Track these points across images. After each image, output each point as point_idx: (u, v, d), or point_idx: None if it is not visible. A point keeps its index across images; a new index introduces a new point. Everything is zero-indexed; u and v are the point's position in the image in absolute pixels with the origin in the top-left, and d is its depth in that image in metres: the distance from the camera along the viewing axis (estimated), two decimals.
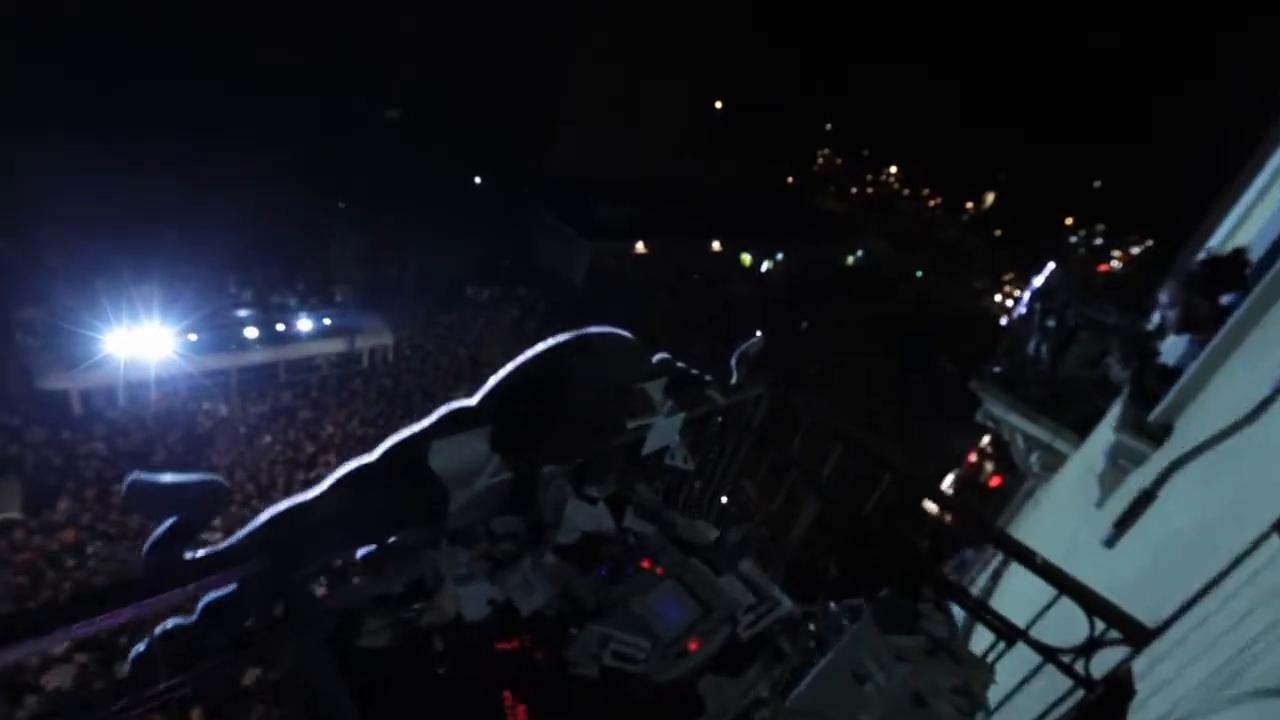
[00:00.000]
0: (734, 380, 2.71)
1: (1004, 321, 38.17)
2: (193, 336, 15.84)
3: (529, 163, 31.02)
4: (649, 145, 34.50)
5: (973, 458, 22.92)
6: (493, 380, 1.90)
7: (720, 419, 2.80)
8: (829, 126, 54.08)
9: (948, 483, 21.85)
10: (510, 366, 1.92)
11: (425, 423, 1.78)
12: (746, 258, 35.33)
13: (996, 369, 5.71)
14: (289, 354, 17.63)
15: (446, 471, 1.81)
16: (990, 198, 60.24)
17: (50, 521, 11.36)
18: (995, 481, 20.81)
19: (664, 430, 2.39)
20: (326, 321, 18.52)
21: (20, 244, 17.52)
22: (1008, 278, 47.92)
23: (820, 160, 56.26)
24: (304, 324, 18.03)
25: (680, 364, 2.45)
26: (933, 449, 23.18)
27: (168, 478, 1.30)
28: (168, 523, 1.33)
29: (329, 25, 25.78)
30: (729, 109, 40.49)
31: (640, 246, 30.87)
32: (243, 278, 19.00)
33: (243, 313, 17.57)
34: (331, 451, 14.63)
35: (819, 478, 2.67)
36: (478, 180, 30.59)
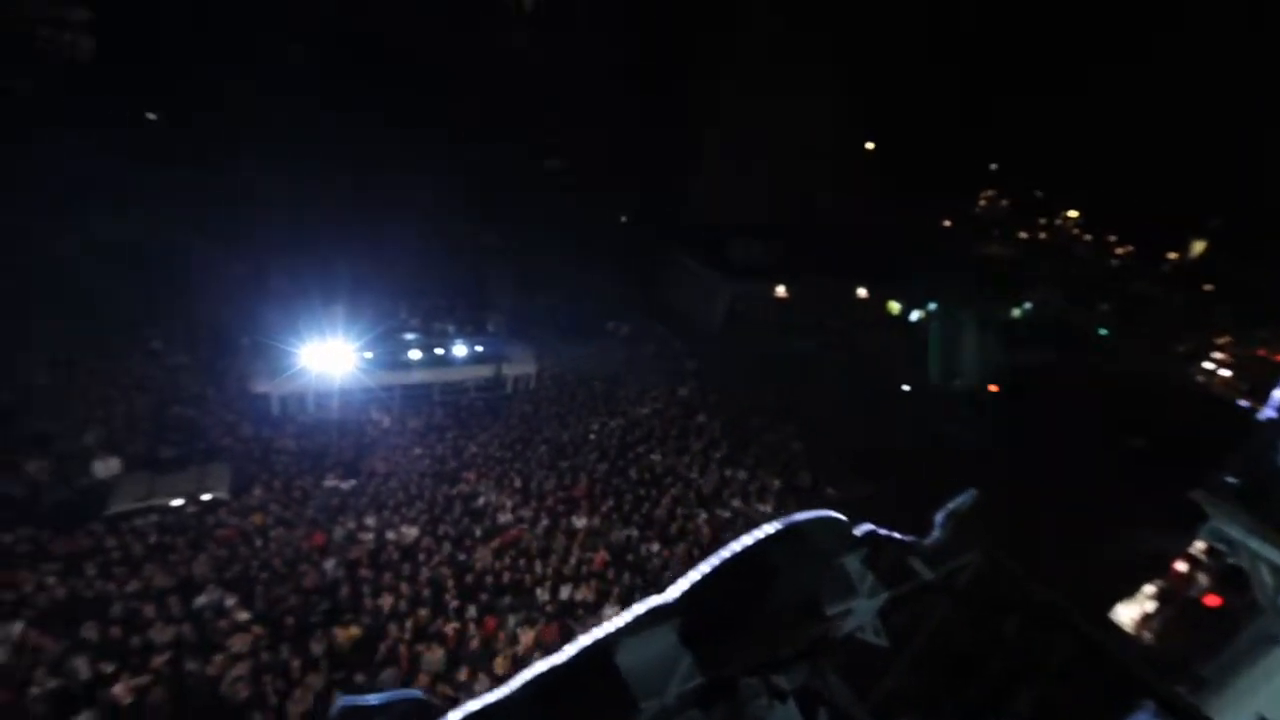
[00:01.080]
0: (939, 538, 2.31)
1: (1218, 394, 32.17)
2: (368, 355, 17.91)
3: (672, 205, 32.00)
4: (795, 186, 34.15)
5: (1181, 566, 18.29)
6: (694, 575, 1.78)
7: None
8: (994, 166, 50.06)
9: (1147, 595, 17.71)
10: (715, 561, 1.79)
11: (620, 621, 1.69)
12: (895, 305, 33.33)
13: (1231, 479, 4.59)
14: (444, 376, 19.30)
15: (636, 673, 1.69)
16: (1199, 246, 51.96)
17: (246, 504, 13.16)
18: (1213, 601, 16.60)
19: (863, 611, 2.12)
20: (478, 348, 20.07)
21: (253, 274, 21.05)
22: (1222, 341, 40.63)
23: (984, 202, 52.14)
24: (459, 349, 19.68)
25: (883, 532, 2.16)
26: (1120, 544, 19.41)
27: (373, 699, 1.36)
28: None
29: (504, 89, 28.80)
30: (882, 147, 39.05)
31: (781, 290, 30.31)
32: (412, 305, 21.19)
33: (409, 336, 19.55)
34: (472, 469, 15.60)
35: (1039, 668, 2.19)
36: (623, 219, 32.03)
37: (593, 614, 11.40)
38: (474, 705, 1.45)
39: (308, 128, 24.46)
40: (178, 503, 12.79)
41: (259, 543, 12.13)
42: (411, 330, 19.82)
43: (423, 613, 10.84)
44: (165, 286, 21.44)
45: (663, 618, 1.64)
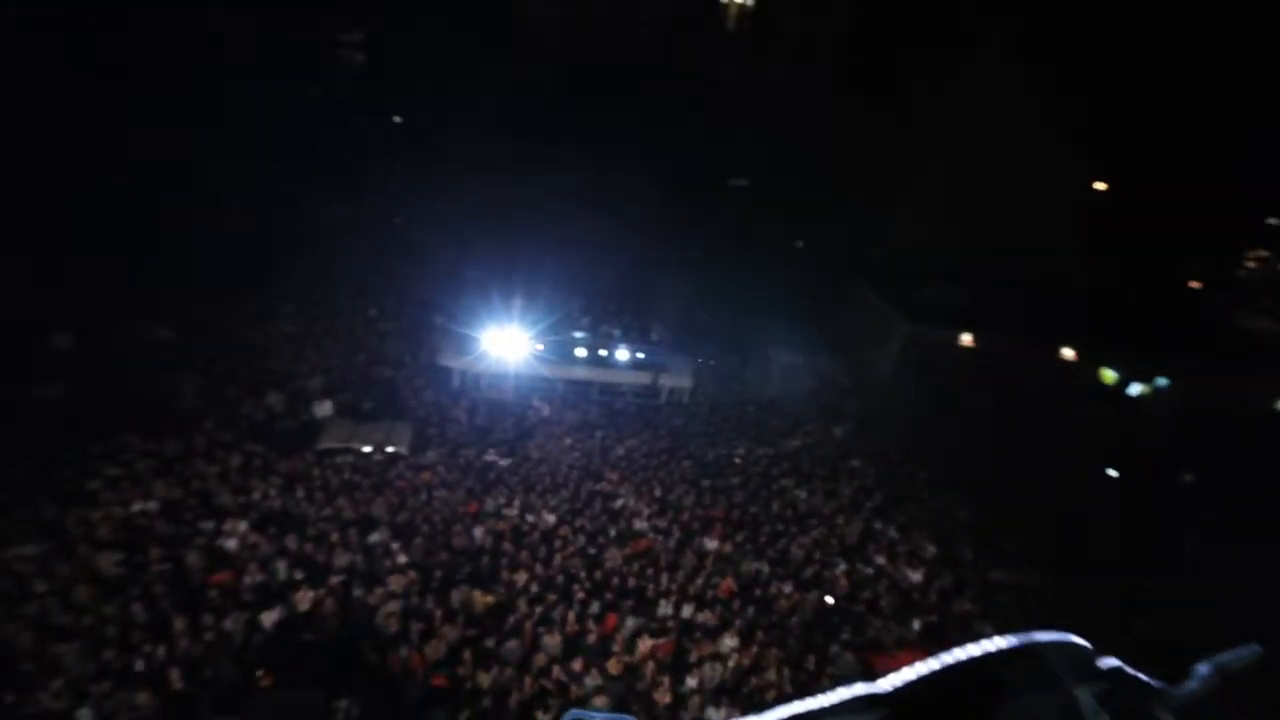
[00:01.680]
0: (1197, 691, 1.85)
1: None
2: (539, 347, 19.24)
3: (856, 236, 30.54)
4: (1003, 227, 30.77)
5: None
6: (913, 671, 1.64)
7: None
8: (1273, 220, 40.95)
9: None
10: (936, 663, 1.63)
11: (823, 700, 1.60)
12: (1110, 374, 28.61)
13: None
14: (604, 377, 20.13)
15: None
16: None
17: (420, 462, 14.77)
18: None
19: None
20: (640, 355, 20.66)
21: (455, 261, 23.73)
22: None
23: (1253, 263, 42.82)
24: (622, 354, 20.40)
25: (1130, 671, 1.79)
26: None
27: (600, 715, 1.43)
28: None
29: (705, 104, 29.59)
30: (1116, 189, 33.73)
31: (967, 338, 27.50)
32: (585, 305, 22.41)
33: (578, 334, 20.69)
34: (617, 471, 16.05)
35: None
36: (799, 245, 31.23)
37: (710, 639, 11.11)
38: None
39: (518, 131, 27.16)
40: (367, 449, 14.70)
41: (424, 498, 13.52)
42: (581, 329, 20.95)
43: (550, 597, 11.31)
44: (386, 262, 24.93)
45: (871, 707, 1.48)
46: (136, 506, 11.60)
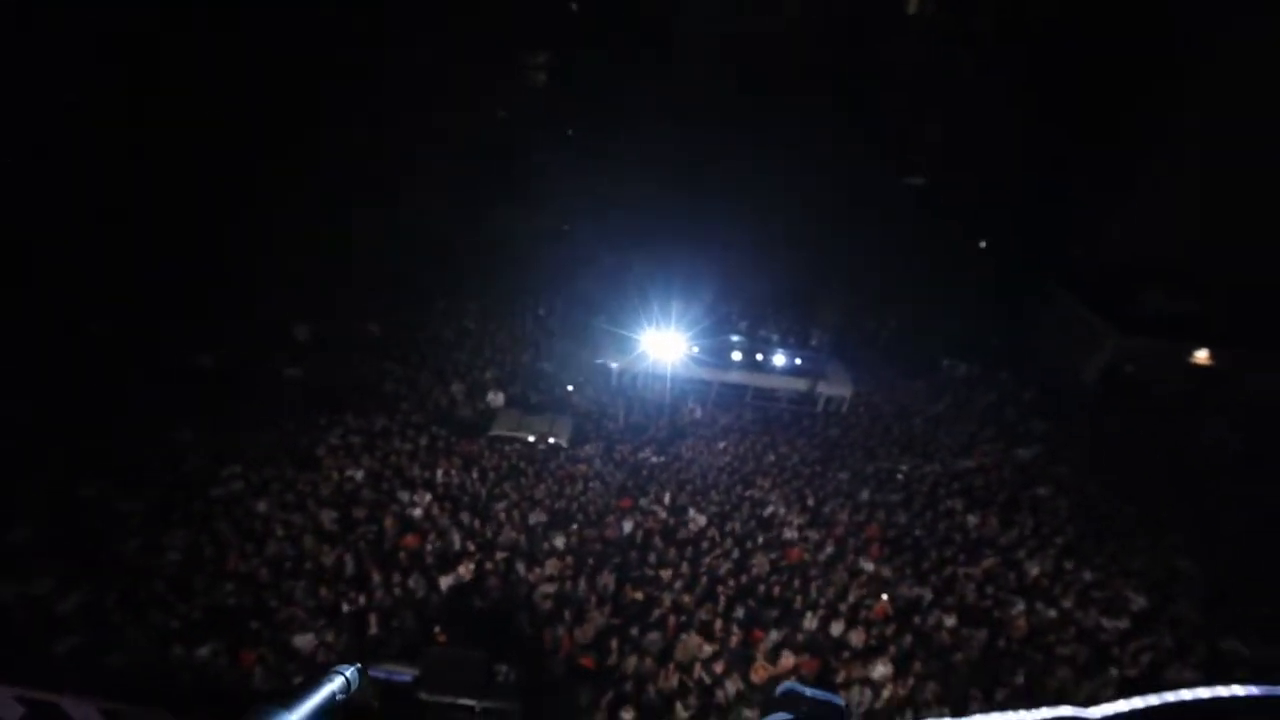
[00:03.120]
0: None
1: None
2: (695, 349, 19.46)
3: (1053, 234, 26.84)
4: (1251, 224, 25.22)
5: None
6: (1128, 703, 1.52)
7: None
8: None
9: None
10: (1157, 699, 1.50)
11: (1028, 716, 1.56)
12: None
13: None
14: (759, 381, 19.84)
15: None
16: None
17: (577, 455, 15.69)
18: None
19: None
20: (797, 361, 20.06)
21: (618, 264, 24.83)
22: None
23: None
24: (778, 359, 19.95)
25: None
26: None
27: (810, 692, 1.52)
28: (785, 718, 1.54)
29: (875, 101, 27.93)
30: None
31: (1202, 354, 23.00)
32: (742, 308, 22.23)
33: (735, 338, 20.58)
34: (768, 477, 15.72)
35: None
36: (982, 245, 28.20)
37: (860, 663, 10.46)
38: None
39: (684, 138, 27.67)
40: (531, 439, 15.93)
41: (581, 488, 14.32)
42: (738, 332, 20.84)
43: (694, 597, 11.40)
44: (556, 266, 26.73)
45: None
46: (349, 473, 13.68)
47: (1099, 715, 1.42)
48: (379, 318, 21.32)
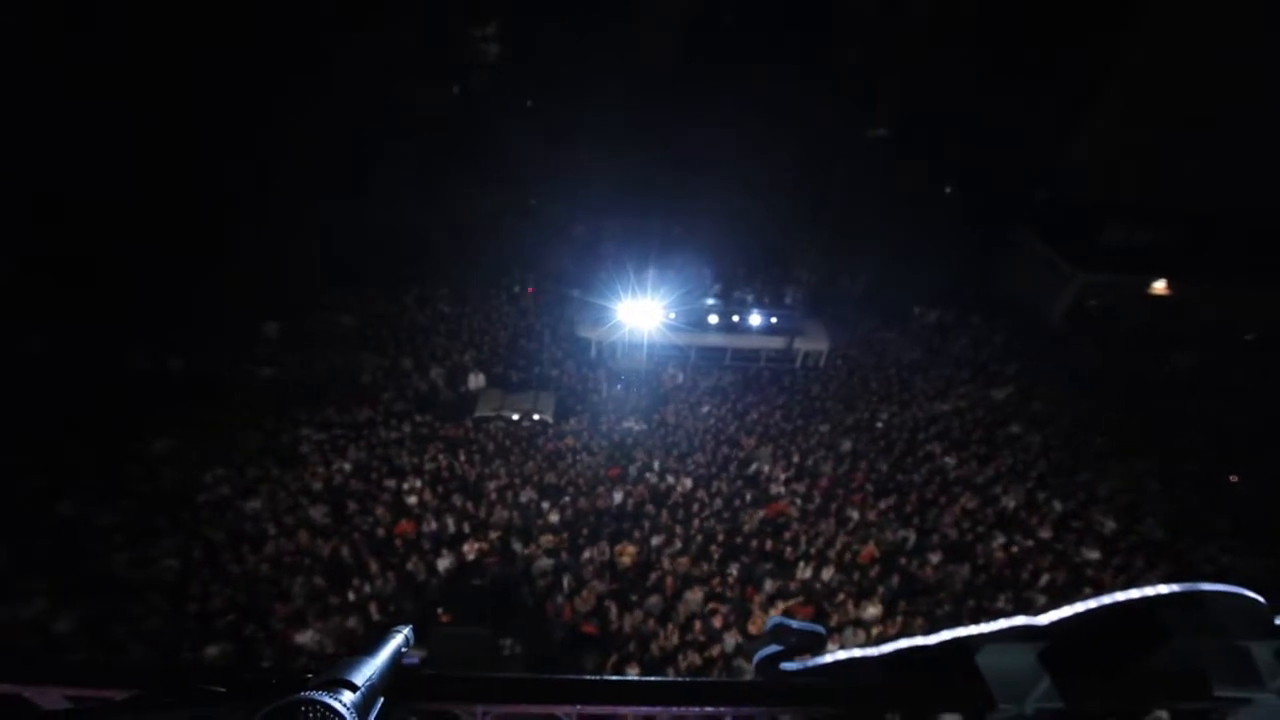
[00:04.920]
0: None
1: None
2: (672, 315, 19.52)
3: (1018, 174, 27.11)
4: (1215, 156, 25.71)
5: None
6: (1071, 609, 1.69)
7: None
8: None
9: None
10: (1095, 602, 1.67)
11: (985, 628, 1.71)
12: None
13: None
14: (737, 343, 20.02)
15: (995, 676, 1.68)
16: None
17: (563, 429, 15.81)
18: None
19: (1268, 707, 1.67)
20: (773, 320, 20.25)
21: (588, 235, 24.60)
22: None
23: None
24: (755, 319, 20.13)
25: None
26: None
27: (795, 624, 1.61)
28: (775, 649, 1.63)
29: (835, 52, 27.65)
30: None
31: (1160, 285, 23.69)
32: (716, 271, 22.27)
33: (710, 301, 20.67)
34: (752, 436, 16.02)
35: None
36: (948, 190, 28.39)
37: (855, 604, 10.92)
38: (844, 654, 1.61)
39: (645, 103, 27.20)
40: (515, 417, 15.99)
41: (569, 461, 14.48)
42: (712, 296, 20.91)
43: (687, 558, 11.71)
44: (525, 241, 26.38)
45: (1029, 637, 1.56)
46: (336, 466, 13.64)
47: (1047, 620, 1.62)
48: (350, 309, 20.98)
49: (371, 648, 1.23)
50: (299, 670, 1.26)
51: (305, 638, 9.79)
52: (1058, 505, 13.91)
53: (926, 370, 20.07)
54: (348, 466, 13.70)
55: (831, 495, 13.89)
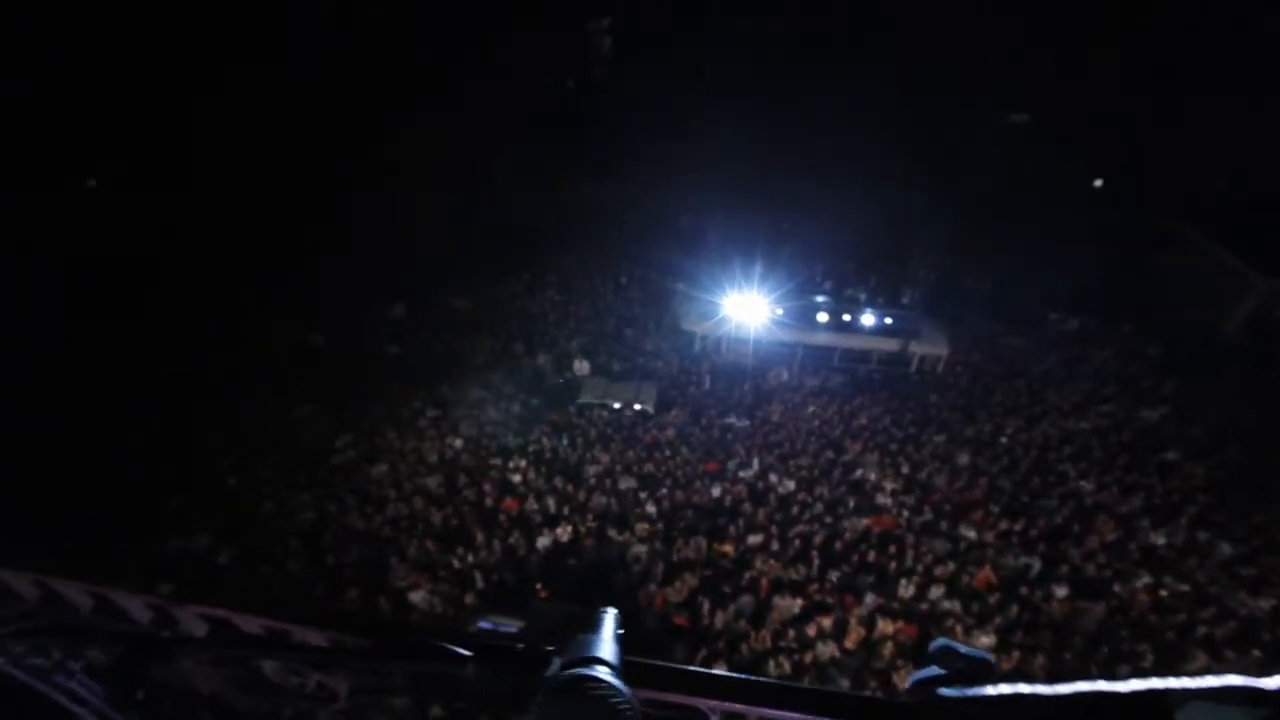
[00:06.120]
0: None
1: None
2: (779, 311, 18.99)
3: (1185, 162, 23.79)
4: None
5: None
6: None
7: None
8: None
9: None
10: None
11: (1192, 682, 1.46)
12: None
13: None
14: (847, 343, 19.15)
15: None
16: None
17: (664, 420, 15.86)
18: None
19: None
20: (888, 320, 19.20)
21: (694, 226, 24.44)
22: None
23: None
24: (867, 318, 19.16)
25: None
26: None
27: (963, 649, 1.49)
28: (936, 672, 1.52)
29: (963, 30, 25.58)
30: None
31: None
32: (826, 267, 21.41)
33: (820, 298, 19.91)
34: (859, 441, 15.28)
35: None
36: (1097, 184, 25.52)
37: (965, 631, 10.13)
38: (1012, 688, 1.46)
39: (759, 94, 26.58)
40: (617, 405, 16.23)
41: (668, 453, 14.50)
42: (823, 293, 20.13)
43: (783, 560, 11.37)
44: (631, 232, 26.60)
45: (1249, 701, 1.30)
46: (449, 441, 14.51)
47: (1275, 685, 1.31)
48: (466, 293, 22.18)
49: (586, 625, 1.23)
50: (529, 641, 1.29)
51: (418, 596, 10.50)
52: (1225, 548, 12.13)
53: (1062, 383, 18.22)
54: (459, 442, 14.53)
55: (943, 511, 12.97)
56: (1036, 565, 11.67)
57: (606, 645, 1.14)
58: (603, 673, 1.02)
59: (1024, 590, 11.11)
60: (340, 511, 12.26)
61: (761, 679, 1.29)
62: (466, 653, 1.22)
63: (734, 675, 1.25)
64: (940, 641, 1.38)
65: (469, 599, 10.52)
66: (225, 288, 19.43)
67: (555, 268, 24.00)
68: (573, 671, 1.02)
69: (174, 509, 12.22)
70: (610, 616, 1.29)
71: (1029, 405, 17.07)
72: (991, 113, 26.97)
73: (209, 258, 20.10)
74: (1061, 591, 11.09)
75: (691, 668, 1.29)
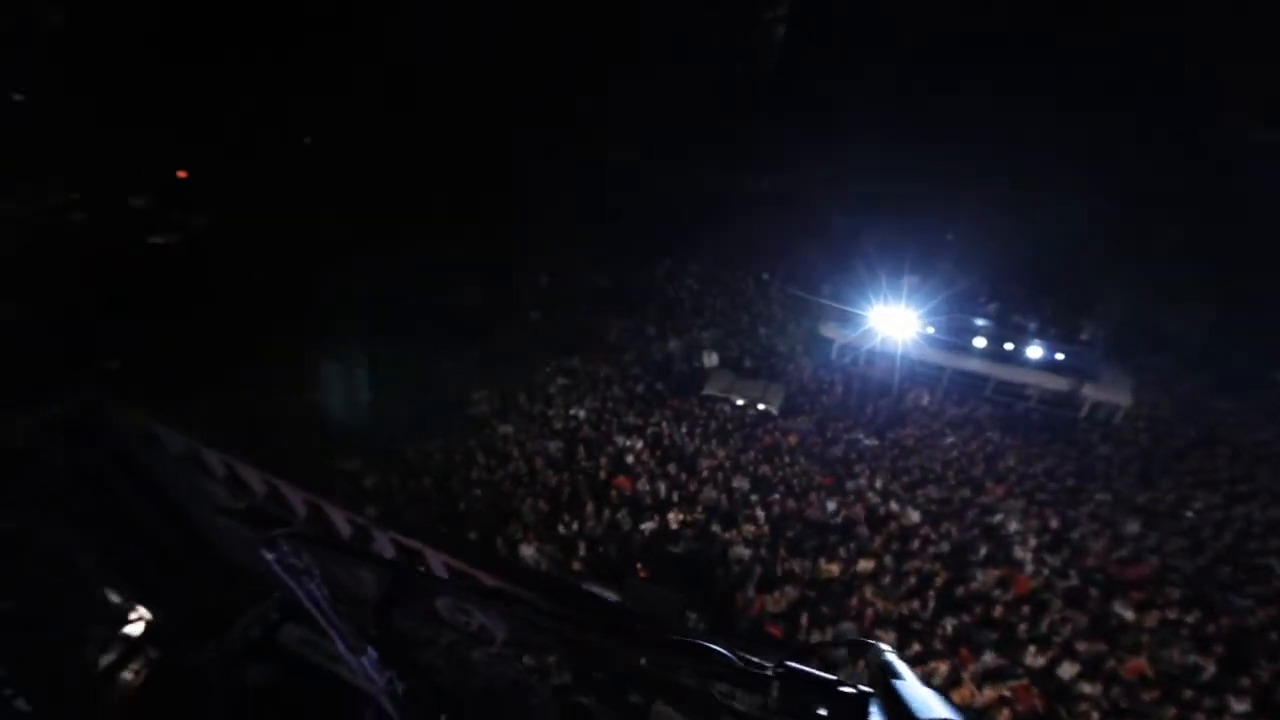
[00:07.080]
0: None
1: None
2: (930, 329, 17.54)
3: None
4: None
5: None
6: None
7: None
8: None
9: None
10: None
11: None
12: None
13: None
14: (1005, 374, 17.30)
15: None
16: None
17: (787, 425, 15.34)
18: None
19: None
20: (1059, 356, 17.06)
21: (851, 230, 23.19)
22: None
23: None
24: (1034, 351, 17.16)
25: None
26: None
27: None
28: None
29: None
30: None
31: None
32: (994, 289, 19.39)
33: (980, 322, 18.09)
34: (1002, 485, 13.76)
35: None
36: None
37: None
38: None
39: (928, 81, 24.59)
40: (741, 402, 15.92)
41: (787, 459, 14.02)
42: (984, 316, 18.30)
43: (892, 595, 10.60)
44: (779, 229, 25.81)
45: None
46: (573, 411, 15.09)
47: None
48: (608, 271, 22.82)
49: (885, 669, 1.15)
50: (836, 677, 1.25)
51: (529, 551, 11.09)
52: None
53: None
54: (582, 414, 15.05)
55: (1095, 580, 11.36)
56: (1210, 669, 9.88)
57: (936, 702, 1.06)
58: None
59: (1189, 694, 9.46)
60: (466, 459, 13.24)
61: None
62: (768, 670, 1.17)
63: None
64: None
65: (575, 564, 10.92)
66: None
67: (697, 256, 23.98)
68: None
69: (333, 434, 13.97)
70: (898, 661, 1.18)
71: (1231, 481, 14.39)
72: (1236, 127, 22.71)
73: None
74: (1240, 707, 9.30)
75: None
